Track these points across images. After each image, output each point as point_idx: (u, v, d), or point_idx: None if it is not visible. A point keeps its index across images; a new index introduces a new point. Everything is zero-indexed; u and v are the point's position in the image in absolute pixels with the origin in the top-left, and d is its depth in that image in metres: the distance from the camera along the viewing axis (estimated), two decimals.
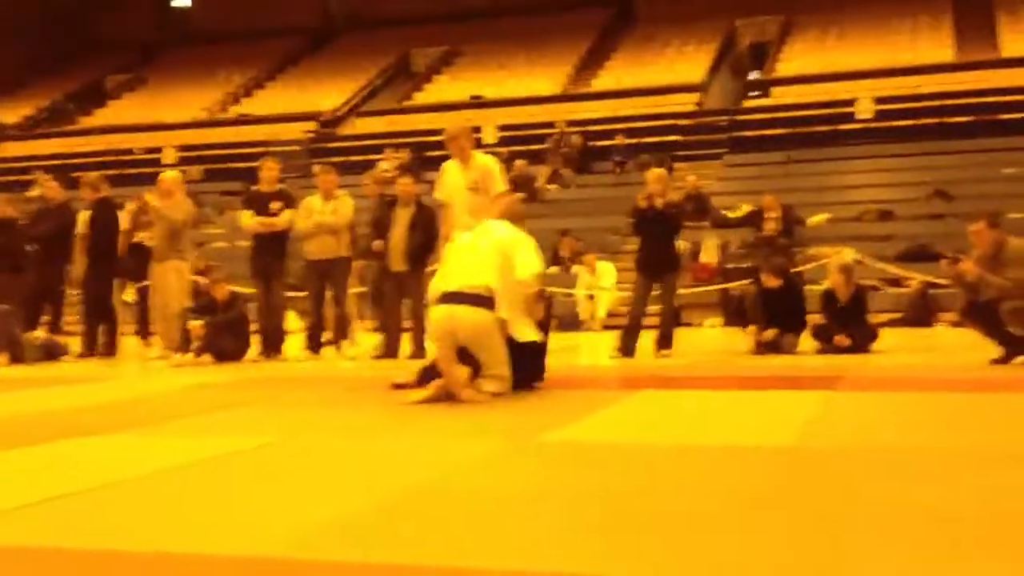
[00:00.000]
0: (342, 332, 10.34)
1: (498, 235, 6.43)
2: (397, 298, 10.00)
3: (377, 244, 9.93)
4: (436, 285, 6.46)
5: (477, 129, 22.10)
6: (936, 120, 19.84)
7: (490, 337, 6.23)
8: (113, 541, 2.90)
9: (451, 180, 8.08)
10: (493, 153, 20.62)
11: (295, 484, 3.76)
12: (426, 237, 9.84)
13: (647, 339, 9.35)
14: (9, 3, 28.89)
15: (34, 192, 20.26)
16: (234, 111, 26.85)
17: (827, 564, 2.53)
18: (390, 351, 9.80)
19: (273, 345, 10.10)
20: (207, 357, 9.70)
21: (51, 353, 10.50)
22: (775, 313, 9.40)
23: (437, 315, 6.30)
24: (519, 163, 19.49)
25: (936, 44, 23.00)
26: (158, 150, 23.93)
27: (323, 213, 10.06)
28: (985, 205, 12.73)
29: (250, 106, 27.03)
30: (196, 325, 9.73)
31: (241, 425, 5.44)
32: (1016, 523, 2.89)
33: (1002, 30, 22.93)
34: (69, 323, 11.95)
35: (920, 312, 13.12)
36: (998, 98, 19.95)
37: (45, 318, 11.41)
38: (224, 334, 9.85)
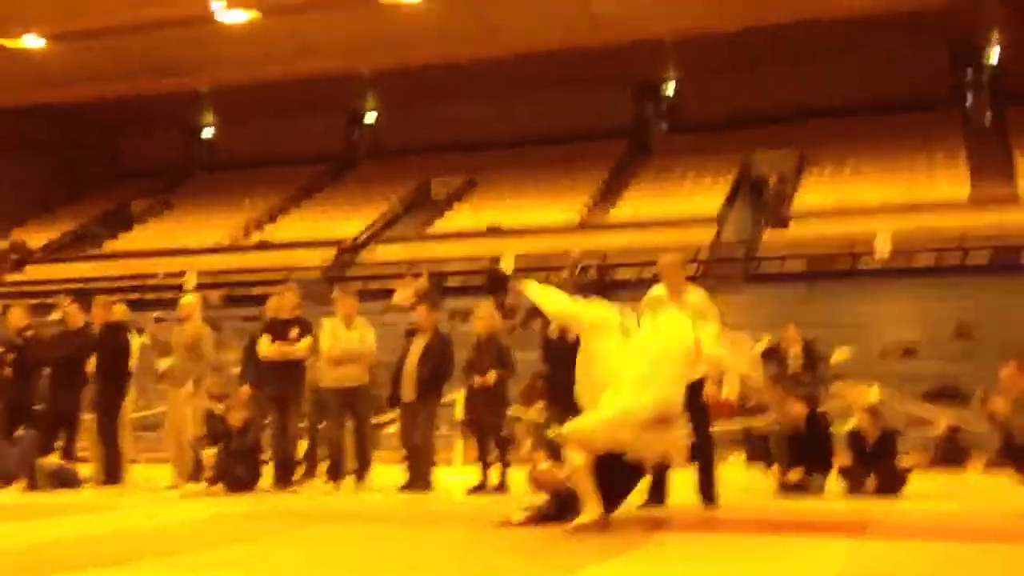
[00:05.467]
0: (364, 462, 10.11)
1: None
2: (411, 428, 9.83)
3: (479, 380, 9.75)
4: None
5: (497, 259, 22.37)
6: (955, 258, 19.83)
7: None
8: None
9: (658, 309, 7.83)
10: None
11: None
12: (437, 367, 9.73)
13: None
14: (40, 128, 29.54)
15: (55, 316, 20.33)
16: (256, 237, 27.11)
17: None
18: (421, 484, 9.59)
19: (286, 474, 9.90)
20: (219, 486, 9.51)
21: (64, 481, 10.34)
22: (801, 451, 9.19)
23: None
24: None
25: (952, 180, 23.10)
26: (180, 275, 24.08)
27: (350, 341, 9.95)
28: (1009, 344, 12.55)
29: (272, 232, 27.30)
30: (209, 453, 9.57)
31: (251, 561, 5.28)
32: None
33: (1018, 168, 23.05)
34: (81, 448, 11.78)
35: (950, 454, 12.81)
36: (1017, 239, 19.92)
37: (59, 444, 11.27)
38: (237, 463, 9.67)
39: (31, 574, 4.64)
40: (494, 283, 20.64)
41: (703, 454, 7.49)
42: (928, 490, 9.62)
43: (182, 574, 4.80)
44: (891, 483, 9.04)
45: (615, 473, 6.36)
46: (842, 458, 9.48)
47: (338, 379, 9.93)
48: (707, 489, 7.61)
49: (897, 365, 16.37)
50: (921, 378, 15.51)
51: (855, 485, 9.11)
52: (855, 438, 9.44)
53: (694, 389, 7.12)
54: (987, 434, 8.32)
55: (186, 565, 5.13)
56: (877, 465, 9.13)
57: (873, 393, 9.86)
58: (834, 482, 9.34)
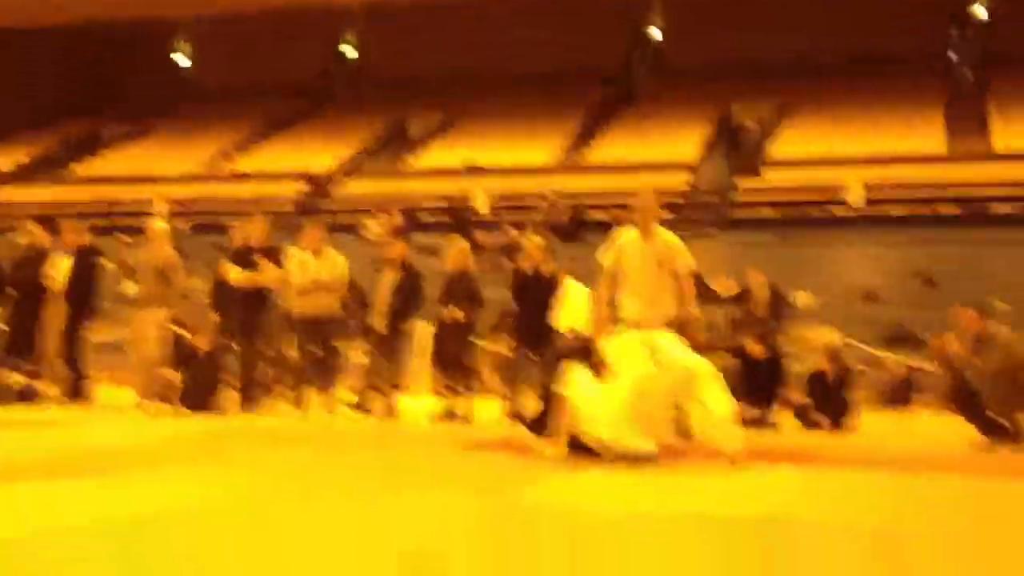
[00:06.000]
0: (329, 388, 10.20)
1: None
2: (381, 358, 9.96)
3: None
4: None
5: (464, 198, 22.39)
6: (926, 210, 20.01)
7: None
8: None
9: (631, 251, 7.75)
10: (484, 221, 20.90)
11: (262, 543, 3.65)
12: (408, 299, 9.86)
13: None
14: (11, 54, 29.09)
15: (21, 239, 20.18)
16: (227, 168, 26.94)
17: None
18: (385, 410, 9.72)
19: (251, 398, 10.00)
20: (182, 407, 9.58)
21: (28, 397, 10.38)
22: (757, 388, 9.34)
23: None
24: (512, 232, 19.52)
25: (928, 135, 23.25)
26: (148, 202, 23.92)
27: (319, 270, 10.00)
28: (971, 294, 12.73)
29: (244, 163, 27.14)
30: (173, 375, 9.63)
31: (212, 479, 5.33)
32: None
33: (994, 124, 23.21)
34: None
35: (902, 395, 13.10)
36: (988, 191, 20.13)
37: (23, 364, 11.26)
38: (203, 385, 9.76)
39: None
40: (460, 220, 20.74)
41: None
42: (879, 427, 9.84)
43: (149, 488, 4.86)
44: (844, 420, 9.24)
45: None
46: (798, 396, 9.66)
47: (307, 308, 9.97)
48: None
49: (859, 310, 16.58)
50: (882, 323, 15.73)
51: (809, 421, 9.29)
52: (814, 377, 9.61)
53: None
54: (940, 377, 8.46)
55: (153, 479, 5.18)
56: (832, 403, 9.33)
57: (833, 335, 10.00)
58: (788, 418, 9.52)
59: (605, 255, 7.82)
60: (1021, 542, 3.99)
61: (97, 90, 31.79)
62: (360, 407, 10.08)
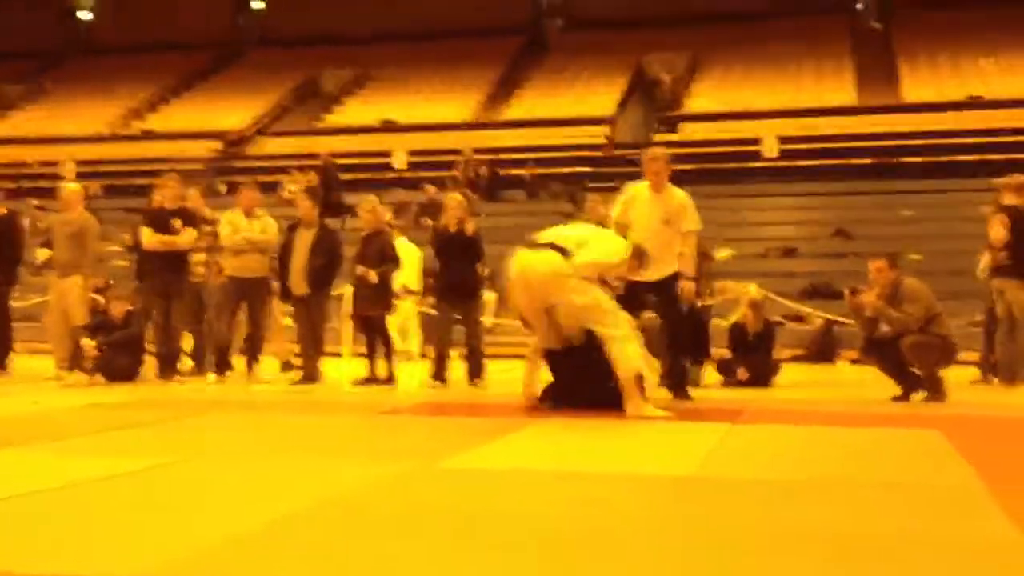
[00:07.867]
0: (255, 354, 10.06)
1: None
2: (304, 322, 9.81)
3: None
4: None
5: (387, 154, 22.19)
6: (838, 161, 20.33)
7: (567, 281, 6.35)
8: None
9: (640, 207, 7.78)
10: (402, 179, 20.72)
11: (180, 506, 3.67)
12: (328, 260, 9.69)
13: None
14: None
15: None
16: (137, 126, 26.29)
17: None
18: (308, 375, 9.59)
19: (170, 365, 9.83)
20: (100, 376, 9.39)
21: None
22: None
23: (512, 269, 6.53)
24: (430, 188, 19.41)
25: (838, 87, 23.59)
26: (56, 164, 23.27)
27: (251, 230, 9.83)
28: (884, 245, 13.02)
29: (154, 122, 26.50)
30: (89, 344, 9.42)
31: (131, 446, 5.27)
32: (893, 544, 3.04)
33: (903, 75, 23.63)
34: None
35: (822, 348, 13.32)
36: (898, 142, 20.52)
37: None
38: (119, 353, 9.56)
39: None
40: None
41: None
42: (799, 380, 10.03)
43: (54, 459, 4.77)
44: (765, 374, 9.39)
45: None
46: (721, 351, 9.79)
47: (238, 269, 9.81)
48: None
49: (777, 264, 16.82)
50: (800, 276, 15.99)
51: (732, 376, 9.43)
52: (736, 330, 9.73)
53: None
54: (858, 331, 8.63)
55: (59, 450, 5.10)
56: (755, 357, 9.47)
57: (753, 289, 10.15)
58: (711, 374, 9.65)
59: (614, 206, 7.87)
60: (914, 490, 4.11)
61: None
62: (286, 368, 9.98)
